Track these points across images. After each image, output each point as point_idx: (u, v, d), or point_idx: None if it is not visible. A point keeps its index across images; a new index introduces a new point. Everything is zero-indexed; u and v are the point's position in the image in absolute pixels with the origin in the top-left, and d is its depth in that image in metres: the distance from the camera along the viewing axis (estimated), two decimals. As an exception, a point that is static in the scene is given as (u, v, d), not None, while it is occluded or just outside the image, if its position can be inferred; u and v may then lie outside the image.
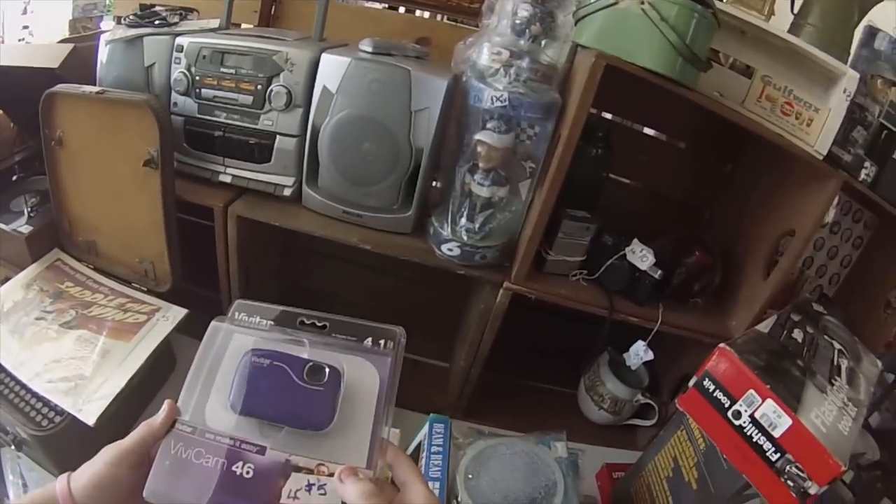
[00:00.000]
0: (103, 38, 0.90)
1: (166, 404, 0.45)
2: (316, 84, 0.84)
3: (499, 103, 0.77)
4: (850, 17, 0.87)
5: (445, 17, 1.27)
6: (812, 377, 0.71)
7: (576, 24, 0.80)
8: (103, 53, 0.90)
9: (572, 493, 0.77)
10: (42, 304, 0.87)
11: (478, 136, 0.80)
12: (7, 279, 0.90)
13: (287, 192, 0.91)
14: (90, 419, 0.72)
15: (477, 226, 0.85)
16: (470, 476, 0.76)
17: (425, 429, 0.80)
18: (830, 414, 0.65)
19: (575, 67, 0.81)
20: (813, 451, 0.60)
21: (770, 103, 0.83)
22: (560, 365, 1.19)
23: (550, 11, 0.80)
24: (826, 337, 0.86)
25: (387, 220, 0.90)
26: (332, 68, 0.82)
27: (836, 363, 0.79)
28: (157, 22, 0.92)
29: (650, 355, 0.94)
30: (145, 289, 0.93)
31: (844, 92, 0.78)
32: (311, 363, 0.46)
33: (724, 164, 1.13)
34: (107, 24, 1.57)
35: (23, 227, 0.92)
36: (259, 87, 0.85)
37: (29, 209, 0.95)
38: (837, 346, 0.85)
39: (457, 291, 1.11)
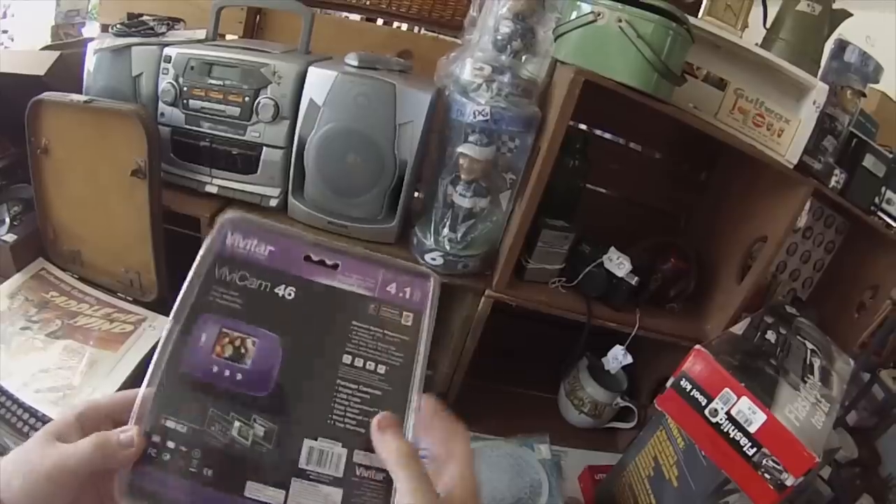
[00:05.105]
0: (91, 46, 0.90)
1: (134, 432, 0.35)
2: (303, 97, 0.84)
3: (481, 117, 0.79)
4: (821, 31, 0.90)
5: (423, 29, 1.27)
6: (785, 375, 0.74)
7: (555, 40, 0.82)
8: (90, 62, 0.90)
9: (557, 493, 0.78)
10: (27, 314, 0.86)
11: (460, 149, 0.82)
12: (-10, 289, 0.90)
13: (273, 202, 0.92)
14: (79, 430, 0.72)
15: (459, 236, 0.87)
16: (456, 479, 0.77)
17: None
18: (804, 409, 0.68)
19: (554, 82, 0.83)
20: (787, 445, 0.63)
21: (742, 115, 0.85)
22: (540, 370, 1.20)
23: (531, 28, 0.82)
24: (799, 337, 0.89)
25: (371, 231, 0.91)
26: (319, 81, 0.83)
27: (808, 362, 0.82)
28: (144, 31, 0.92)
29: (629, 359, 0.96)
30: (131, 299, 0.93)
31: (814, 104, 0.81)
32: None
33: (698, 173, 1.16)
34: (88, 30, 1.56)
35: (6, 235, 0.92)
36: (246, 98, 0.85)
37: (11, 217, 0.94)
38: (810, 346, 0.88)
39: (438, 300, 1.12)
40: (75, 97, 0.83)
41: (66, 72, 0.90)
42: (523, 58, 0.83)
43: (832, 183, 0.92)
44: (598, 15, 0.75)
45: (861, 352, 1.17)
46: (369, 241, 0.91)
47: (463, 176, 0.84)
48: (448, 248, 0.87)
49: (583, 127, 1.08)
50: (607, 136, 1.13)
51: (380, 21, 1.23)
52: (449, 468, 0.38)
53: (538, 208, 0.83)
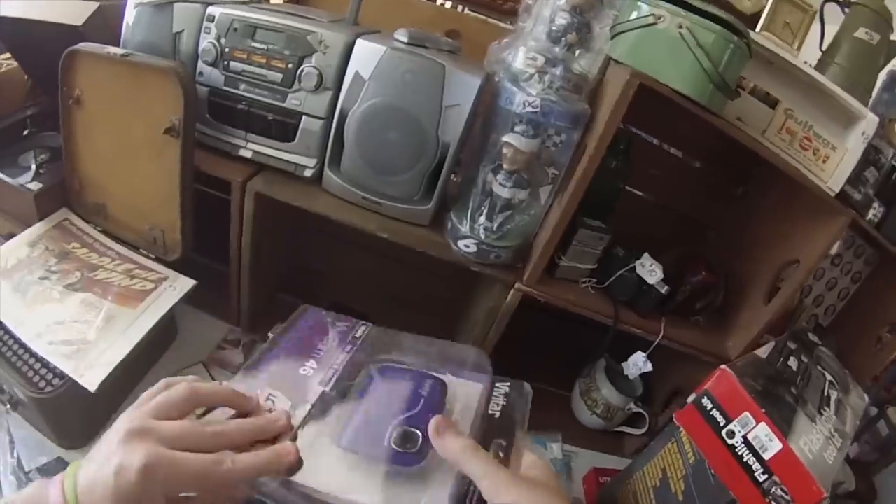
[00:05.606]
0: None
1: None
2: (348, 69, 0.83)
3: (530, 108, 0.77)
4: (876, 61, 0.88)
5: (467, 8, 1.25)
6: (804, 405, 0.73)
7: (612, 38, 0.80)
8: (130, 15, 0.88)
9: (565, 494, 0.78)
10: (47, 264, 0.85)
11: (505, 138, 0.80)
12: (12, 235, 0.88)
13: (308, 172, 0.90)
14: (92, 385, 0.71)
15: (495, 225, 0.86)
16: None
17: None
18: (818, 442, 0.68)
19: (607, 81, 0.81)
20: (799, 476, 0.62)
21: (790, 136, 0.84)
22: (556, 366, 1.20)
23: (587, 22, 0.79)
24: (819, 367, 0.88)
25: (406, 211, 0.89)
26: (367, 55, 0.81)
27: (826, 394, 0.81)
28: (188, -12, 0.91)
29: (649, 367, 0.95)
30: (153, 256, 0.91)
31: (863, 134, 0.80)
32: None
33: (735, 187, 1.14)
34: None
35: (31, 183, 0.90)
36: (290, 65, 0.83)
37: (37, 165, 0.93)
38: (829, 377, 0.87)
39: (461, 287, 1.11)
40: (112, 50, 0.81)
41: (103, 24, 0.89)
42: (577, 52, 0.81)
43: (869, 215, 0.90)
44: (660, 18, 0.73)
45: (872, 385, 1.16)
46: (402, 220, 0.90)
47: (505, 165, 0.82)
48: (483, 236, 0.86)
49: (621, 126, 1.06)
50: (649, 138, 1.10)
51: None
52: (518, 457, 0.41)
53: (577, 206, 0.82)
